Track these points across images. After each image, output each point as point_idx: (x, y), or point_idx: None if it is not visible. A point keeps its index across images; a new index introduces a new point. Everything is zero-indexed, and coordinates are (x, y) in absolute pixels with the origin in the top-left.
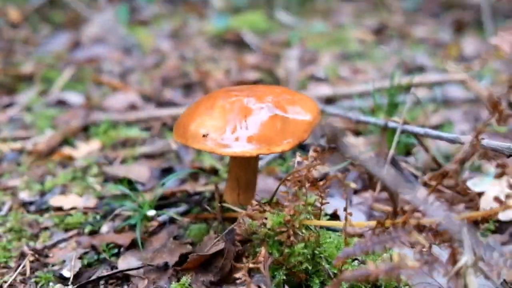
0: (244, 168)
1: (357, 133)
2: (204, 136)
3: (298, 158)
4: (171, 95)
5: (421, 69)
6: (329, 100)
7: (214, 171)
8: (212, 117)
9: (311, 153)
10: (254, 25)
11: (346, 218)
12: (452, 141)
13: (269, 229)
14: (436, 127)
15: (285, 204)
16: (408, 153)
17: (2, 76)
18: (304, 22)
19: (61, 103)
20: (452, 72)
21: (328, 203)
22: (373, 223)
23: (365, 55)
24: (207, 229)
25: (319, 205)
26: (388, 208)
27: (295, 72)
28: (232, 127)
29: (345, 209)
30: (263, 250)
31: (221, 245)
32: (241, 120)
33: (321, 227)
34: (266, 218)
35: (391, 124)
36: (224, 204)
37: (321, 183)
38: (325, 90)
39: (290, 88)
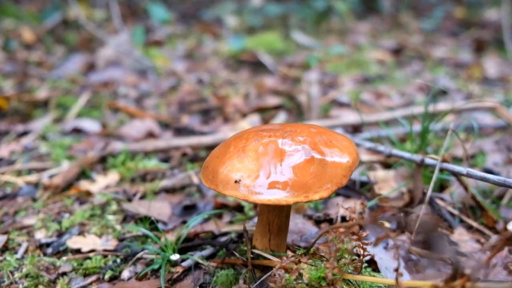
0: (277, 213)
1: (386, 166)
2: (236, 182)
3: (341, 211)
4: (188, 121)
5: (444, 93)
6: (355, 128)
7: (239, 208)
8: (244, 161)
9: (358, 207)
10: (270, 46)
11: (397, 280)
12: (499, 184)
13: (307, 285)
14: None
15: (327, 258)
16: (442, 188)
17: (16, 103)
18: (320, 42)
19: (77, 131)
20: (480, 98)
21: (370, 255)
22: (426, 284)
23: (386, 78)
24: (235, 277)
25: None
26: (427, 253)
27: (317, 97)
28: (266, 172)
29: (396, 270)
30: None
31: None
32: (276, 164)
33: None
34: (302, 270)
35: (428, 161)
36: (254, 250)
37: (363, 234)
38: (350, 117)
39: (313, 114)
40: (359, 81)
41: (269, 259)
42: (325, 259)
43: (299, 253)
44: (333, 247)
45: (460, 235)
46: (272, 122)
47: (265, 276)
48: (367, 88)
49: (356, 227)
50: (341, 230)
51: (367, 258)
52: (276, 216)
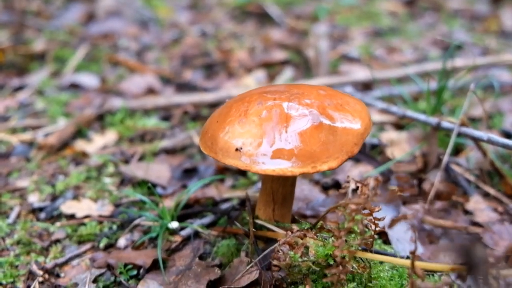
0: (282, 182)
1: (398, 127)
2: (237, 150)
3: (352, 185)
4: (191, 76)
5: (459, 47)
6: (366, 86)
7: (242, 172)
8: (246, 126)
9: (372, 183)
10: None
11: (413, 264)
12: None
13: (313, 262)
14: (478, 121)
15: (335, 235)
16: (456, 152)
17: (13, 55)
18: None
19: (74, 86)
20: (498, 53)
21: (382, 230)
22: (445, 268)
23: (399, 31)
24: (237, 247)
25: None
26: (442, 223)
27: (325, 51)
28: (270, 139)
29: (412, 253)
30: None
31: (255, 274)
32: (280, 130)
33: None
34: (308, 245)
35: (445, 125)
36: (257, 221)
37: (376, 209)
38: (360, 74)
39: (321, 70)
40: (370, 34)
41: (273, 230)
42: (333, 234)
43: (305, 227)
44: (343, 226)
45: (476, 203)
46: (278, 78)
47: (268, 250)
48: (378, 42)
49: (369, 203)
50: (353, 207)
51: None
52: (280, 185)
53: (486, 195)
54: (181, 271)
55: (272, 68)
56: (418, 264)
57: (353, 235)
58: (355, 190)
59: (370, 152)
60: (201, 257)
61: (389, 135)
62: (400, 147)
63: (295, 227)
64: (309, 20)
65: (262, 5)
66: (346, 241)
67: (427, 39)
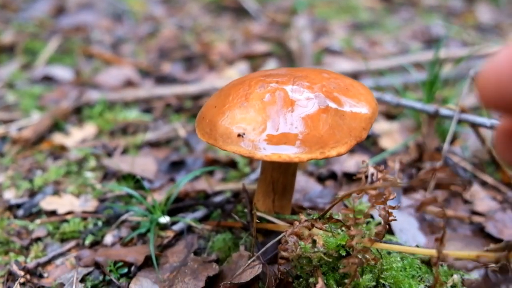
0: (283, 170)
1: (389, 117)
2: (239, 136)
3: (371, 169)
4: (170, 69)
5: (437, 41)
6: (352, 77)
7: (232, 164)
8: (248, 111)
9: (397, 165)
10: None
11: (439, 253)
12: None
13: (324, 253)
14: (474, 110)
15: (349, 224)
16: (451, 141)
17: None
18: None
19: (47, 79)
20: (480, 46)
21: (395, 220)
22: (471, 255)
23: (377, 25)
24: (234, 241)
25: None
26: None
27: (309, 44)
28: (274, 123)
29: (440, 239)
30: (320, 282)
31: (258, 269)
32: (285, 114)
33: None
34: (316, 237)
35: (444, 112)
36: (256, 212)
37: (391, 196)
38: (344, 65)
39: (305, 62)
40: (350, 27)
41: (273, 222)
42: (342, 224)
43: (313, 217)
44: (360, 213)
45: (475, 192)
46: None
47: (271, 242)
48: (358, 35)
49: (389, 189)
50: (373, 193)
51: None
52: (281, 174)
53: (483, 184)
54: (176, 267)
55: (254, 60)
56: (447, 252)
57: (364, 225)
58: (368, 177)
59: (363, 143)
60: (195, 253)
61: (380, 125)
62: (392, 137)
63: (303, 217)
64: (287, 13)
65: None
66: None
67: (407, 33)
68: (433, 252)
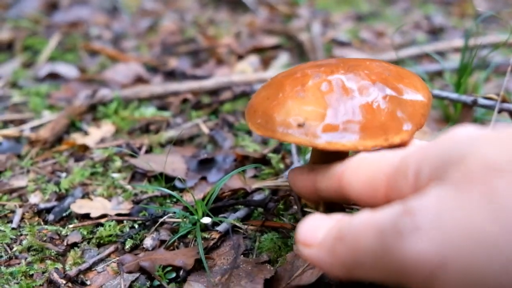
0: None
1: None
2: (300, 125)
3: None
4: (177, 64)
5: (441, 30)
6: None
7: (264, 161)
8: (306, 100)
9: None
10: None
11: None
12: None
13: None
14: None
15: None
16: None
17: None
18: None
19: (52, 77)
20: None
21: None
22: None
23: (379, 15)
24: (283, 241)
25: None
26: None
27: (319, 35)
28: (335, 111)
29: None
30: None
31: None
32: (345, 102)
33: None
34: None
35: (482, 102)
36: (306, 209)
37: None
38: (357, 56)
39: (318, 54)
40: (352, 18)
41: None
42: None
43: None
44: None
45: None
46: (273, 63)
47: None
48: (362, 26)
49: None
50: None
51: None
52: None
53: None
54: (226, 270)
55: (264, 53)
56: None
57: None
58: None
59: None
60: (244, 254)
61: None
62: (421, 129)
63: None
64: (287, 5)
65: None
66: None
67: (409, 23)
68: None
